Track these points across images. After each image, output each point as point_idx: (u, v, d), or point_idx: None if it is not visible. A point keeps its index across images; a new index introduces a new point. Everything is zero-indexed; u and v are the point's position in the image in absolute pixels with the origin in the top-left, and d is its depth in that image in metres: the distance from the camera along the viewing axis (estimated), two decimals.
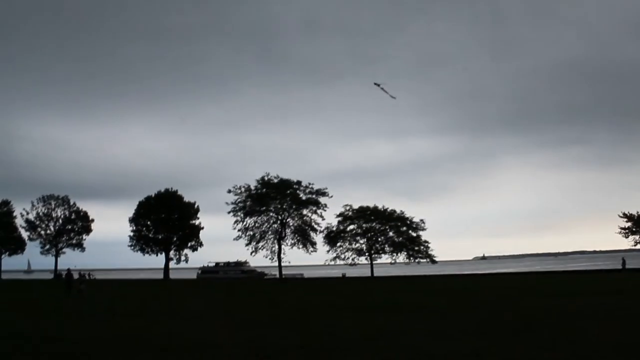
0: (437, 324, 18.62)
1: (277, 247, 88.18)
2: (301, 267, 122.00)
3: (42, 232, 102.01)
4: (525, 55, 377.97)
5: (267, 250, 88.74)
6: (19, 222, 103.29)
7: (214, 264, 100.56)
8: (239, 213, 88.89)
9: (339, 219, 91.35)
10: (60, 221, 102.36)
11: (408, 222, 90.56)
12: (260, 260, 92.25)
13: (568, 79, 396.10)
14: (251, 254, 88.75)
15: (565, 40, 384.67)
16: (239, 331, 17.62)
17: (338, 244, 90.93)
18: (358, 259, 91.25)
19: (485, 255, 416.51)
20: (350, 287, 51.35)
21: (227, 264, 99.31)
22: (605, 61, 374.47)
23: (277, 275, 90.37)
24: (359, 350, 13.45)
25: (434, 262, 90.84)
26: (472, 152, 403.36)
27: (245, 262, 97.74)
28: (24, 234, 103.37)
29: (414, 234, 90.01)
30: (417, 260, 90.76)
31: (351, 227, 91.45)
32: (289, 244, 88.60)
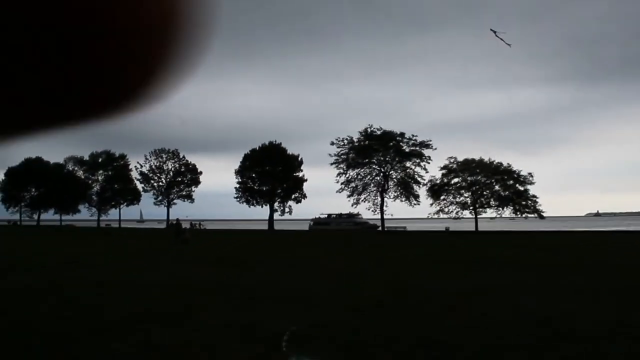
0: (538, 282, 17.44)
1: (379, 199, 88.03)
2: (404, 220, 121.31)
3: (155, 184, 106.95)
4: None
5: (369, 202, 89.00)
6: (134, 174, 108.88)
7: (326, 216, 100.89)
8: (341, 165, 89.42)
9: (443, 171, 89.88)
10: (171, 173, 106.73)
11: (515, 175, 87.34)
12: (370, 212, 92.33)
13: None
14: (353, 205, 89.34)
15: None
16: (331, 282, 17.21)
17: (442, 197, 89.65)
18: (462, 213, 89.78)
19: (600, 211, 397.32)
20: (454, 241, 50.09)
21: (339, 215, 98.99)
22: None
23: (390, 228, 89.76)
24: (449, 305, 12.69)
25: (542, 217, 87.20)
26: (587, 102, 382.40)
27: (358, 214, 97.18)
28: (139, 186, 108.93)
29: (521, 188, 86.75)
30: (524, 215, 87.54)
31: (455, 180, 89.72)
32: (391, 196, 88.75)
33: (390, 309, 12.06)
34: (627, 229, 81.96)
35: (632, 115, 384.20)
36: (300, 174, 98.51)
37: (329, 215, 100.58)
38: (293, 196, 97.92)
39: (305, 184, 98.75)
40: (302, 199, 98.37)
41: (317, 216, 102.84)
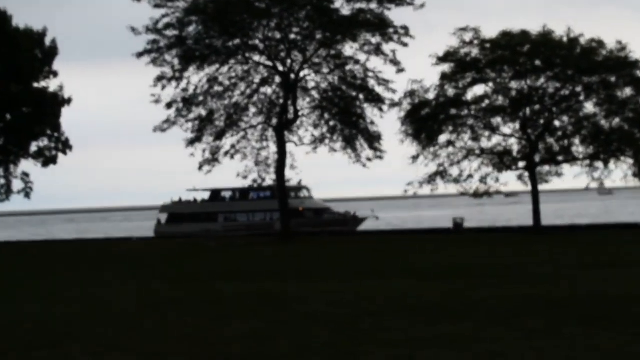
0: None
1: (273, 146, 76.61)
2: (343, 202, 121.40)
3: None
4: None
5: (248, 154, 76.51)
6: None
7: (210, 195, 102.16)
8: (168, 56, 74.94)
9: (445, 68, 74.02)
10: None
11: (637, 74, 73.66)
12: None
13: None
14: (201, 168, 76.88)
15: None
16: None
17: (441, 139, 73.41)
18: (496, 180, 74.24)
19: None
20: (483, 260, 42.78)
21: (247, 190, 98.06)
22: None
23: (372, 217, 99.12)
24: None
25: None
26: None
27: (305, 189, 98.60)
28: None
29: None
30: None
31: (478, 88, 73.62)
32: (306, 138, 74.07)
33: None
34: None
35: None
36: (52, 84, 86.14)
37: (215, 192, 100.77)
38: (33, 147, 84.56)
39: (66, 110, 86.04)
40: (62, 152, 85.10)
41: (178, 198, 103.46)
